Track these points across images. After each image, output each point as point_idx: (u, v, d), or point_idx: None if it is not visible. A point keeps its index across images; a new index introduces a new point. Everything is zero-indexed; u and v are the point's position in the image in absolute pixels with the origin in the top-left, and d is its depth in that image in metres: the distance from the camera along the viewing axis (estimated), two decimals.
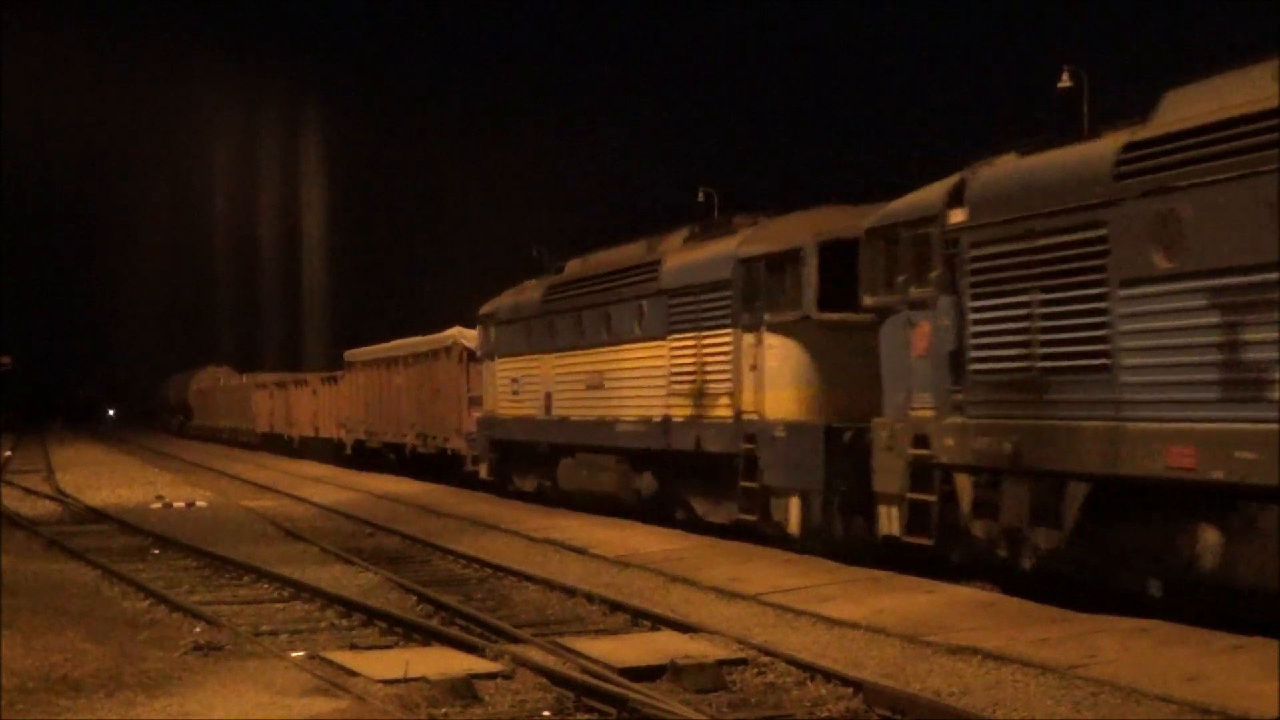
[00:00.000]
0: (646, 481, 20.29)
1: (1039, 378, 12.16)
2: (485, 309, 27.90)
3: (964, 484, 13.17)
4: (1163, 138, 11.16)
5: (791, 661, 10.61)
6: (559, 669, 10.35)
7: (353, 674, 10.34)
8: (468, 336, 30.48)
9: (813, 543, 15.95)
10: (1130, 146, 11.41)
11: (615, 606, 13.55)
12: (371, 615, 13.25)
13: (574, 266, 24.40)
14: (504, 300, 26.97)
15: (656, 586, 15.11)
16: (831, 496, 15.62)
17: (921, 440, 13.68)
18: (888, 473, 14.22)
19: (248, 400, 58.13)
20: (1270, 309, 10.01)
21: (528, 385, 24.89)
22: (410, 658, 10.79)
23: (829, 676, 10.07)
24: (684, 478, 19.35)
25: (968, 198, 13.23)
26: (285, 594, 15.03)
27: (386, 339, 38.76)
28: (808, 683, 10.15)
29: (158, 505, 27.31)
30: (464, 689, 9.68)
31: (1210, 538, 10.73)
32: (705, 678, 10.11)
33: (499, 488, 26.90)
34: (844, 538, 15.62)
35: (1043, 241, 12.12)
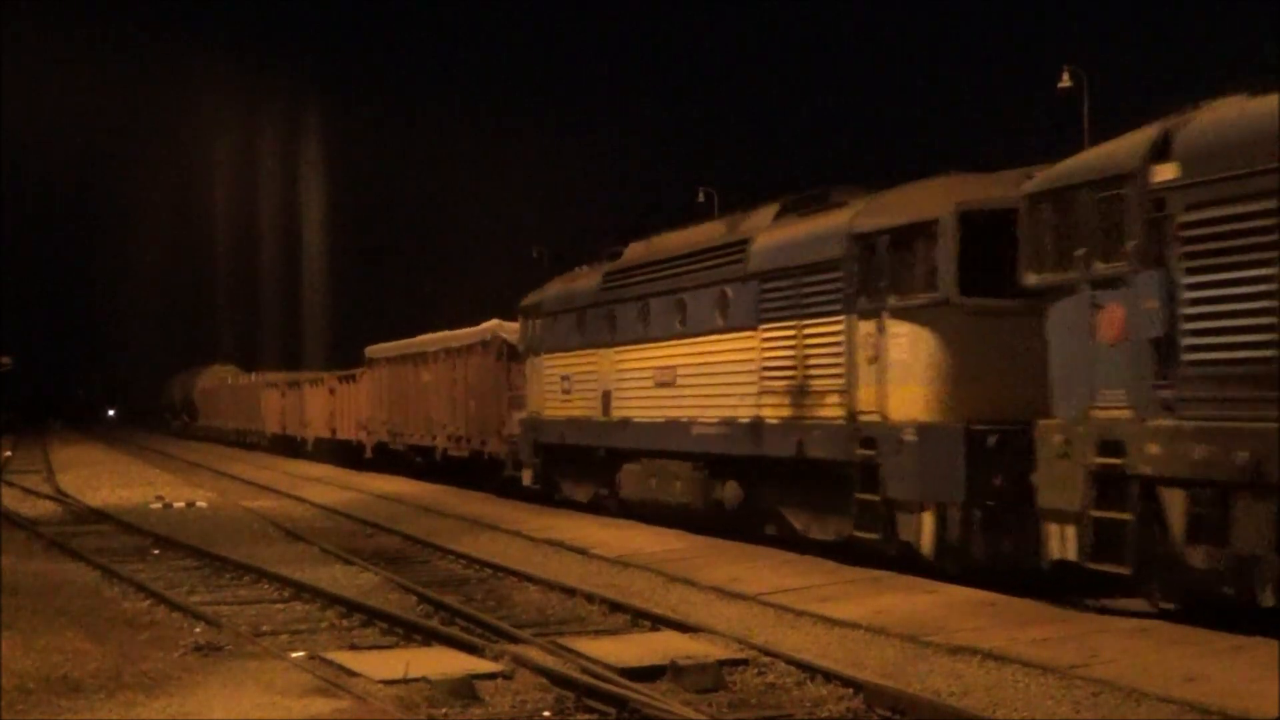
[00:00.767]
0: (730, 492, 17.91)
1: None
2: (529, 300, 25.41)
3: (1175, 500, 10.79)
4: None
5: (792, 662, 10.61)
6: (559, 669, 10.35)
7: (353, 674, 10.34)
8: (508, 330, 28.14)
9: (949, 564, 13.81)
10: None
11: (615, 607, 13.55)
12: (372, 615, 13.24)
13: (635, 251, 22.04)
14: (551, 290, 24.60)
15: (657, 587, 15.11)
16: (973, 511, 13.39)
17: (1111, 446, 11.33)
18: (1060, 485, 11.85)
19: (257, 400, 55.88)
20: None
21: (581, 383, 22.52)
22: (410, 658, 10.78)
23: (829, 677, 10.07)
24: (778, 488, 17.01)
25: (1177, 150, 10.97)
26: (285, 594, 15.03)
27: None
28: (808, 683, 10.15)
29: (158, 505, 27.30)
30: (464, 689, 9.68)
31: None
32: (706, 678, 10.11)
33: (544, 497, 24.63)
34: (986, 558, 13.42)
35: None
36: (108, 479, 35.42)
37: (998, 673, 10.14)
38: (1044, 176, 12.47)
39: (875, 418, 14.61)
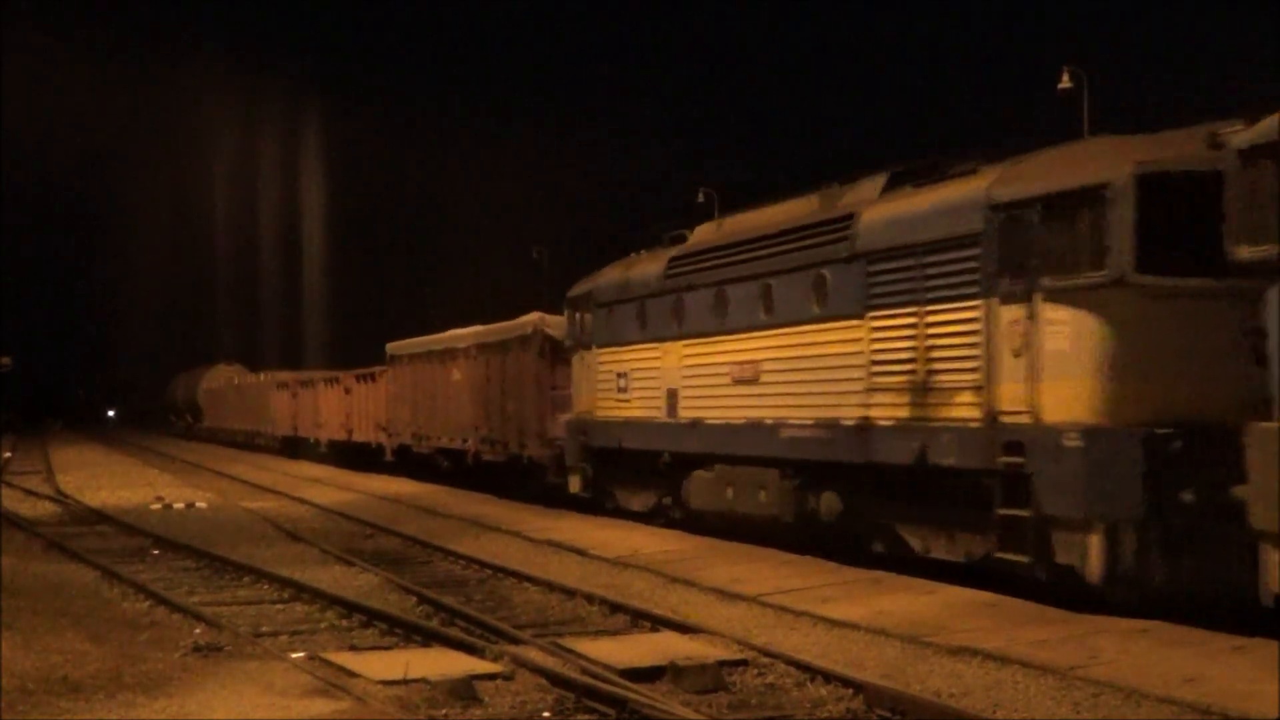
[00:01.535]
0: (827, 503, 15.87)
1: None
2: (577, 290, 23.16)
3: None
4: None
5: (792, 662, 10.61)
6: (559, 670, 10.35)
7: (353, 675, 10.34)
8: (551, 323, 25.95)
9: (1122, 594, 11.82)
10: None
11: (615, 607, 13.55)
12: (372, 616, 13.25)
13: (704, 233, 20.04)
14: (604, 278, 22.20)
15: (656, 587, 15.11)
16: (1152, 531, 11.51)
17: None
18: None
19: (266, 400, 53.46)
20: None
21: (641, 381, 20.40)
22: (410, 659, 10.79)
23: (829, 677, 10.07)
24: (889, 500, 14.90)
25: None
26: (285, 595, 15.03)
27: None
28: (808, 683, 10.15)
29: (157, 506, 27.29)
30: (464, 690, 9.68)
31: None
32: (705, 678, 10.11)
33: (593, 505, 22.54)
34: (1167, 587, 11.58)
35: None
36: (107, 480, 35.41)
37: (998, 673, 10.15)
38: (1262, 129, 10.34)
39: (1024, 419, 12.51)
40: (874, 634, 11.84)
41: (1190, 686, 9.30)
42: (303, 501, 28.43)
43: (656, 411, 19.80)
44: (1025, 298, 12.61)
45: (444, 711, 9.36)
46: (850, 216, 15.51)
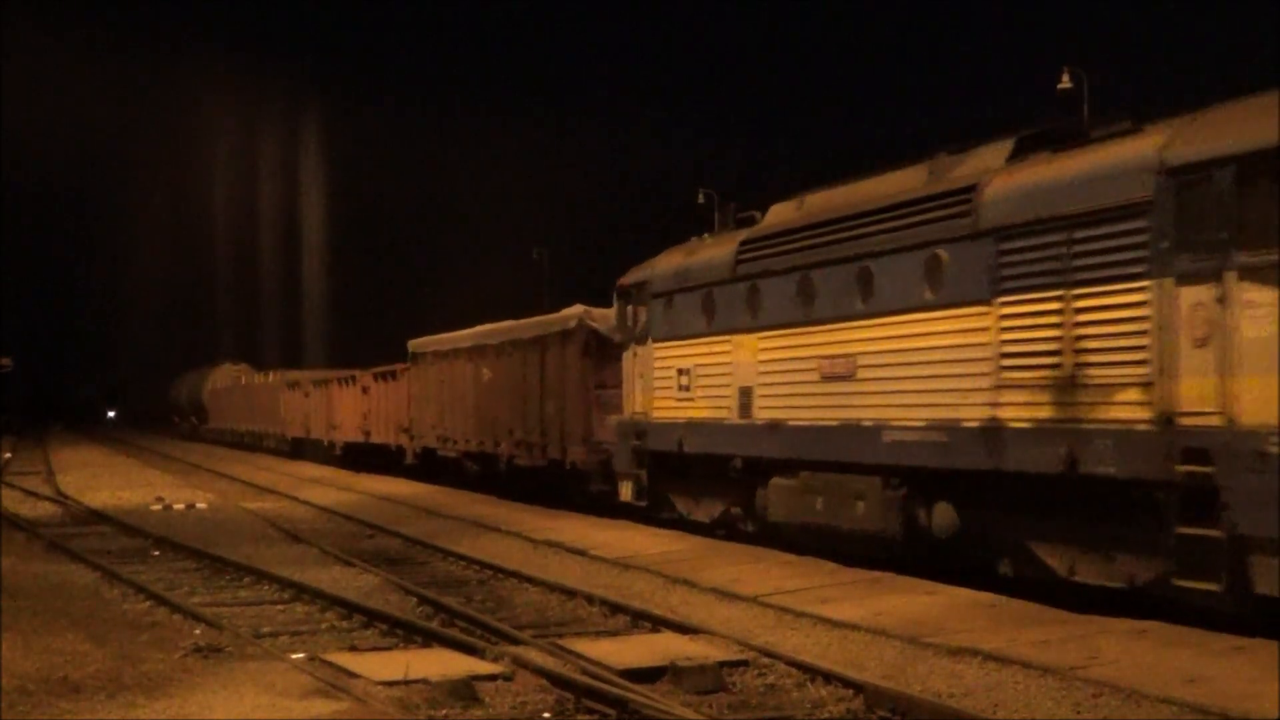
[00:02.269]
0: (941, 517, 14.04)
1: None
2: (630, 278, 21.08)
3: None
4: None
5: (792, 663, 10.61)
6: (559, 670, 10.35)
7: (353, 676, 10.34)
8: (596, 317, 23.97)
9: None
10: None
11: (615, 608, 13.55)
12: (372, 617, 13.25)
13: (781, 213, 17.86)
14: (661, 265, 20.24)
15: (657, 588, 15.11)
16: None
17: None
18: None
19: (276, 401, 51.59)
20: None
21: (708, 378, 18.39)
22: (410, 659, 10.79)
23: (830, 678, 10.07)
24: (1021, 514, 12.99)
25: None
26: (285, 596, 15.03)
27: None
28: (808, 684, 10.15)
29: (157, 507, 27.29)
30: (464, 691, 9.68)
31: None
32: (706, 679, 10.11)
33: (645, 514, 20.79)
34: None
35: None
36: (107, 480, 35.42)
37: (998, 674, 10.15)
38: None
39: (1211, 420, 10.70)
40: (874, 634, 11.84)
41: (1190, 687, 9.30)
42: (303, 502, 28.43)
43: (726, 412, 17.87)
44: (1213, 277, 10.73)
45: (444, 712, 9.36)
46: (972, 188, 13.54)
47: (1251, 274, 10.47)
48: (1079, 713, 9.07)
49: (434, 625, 12.74)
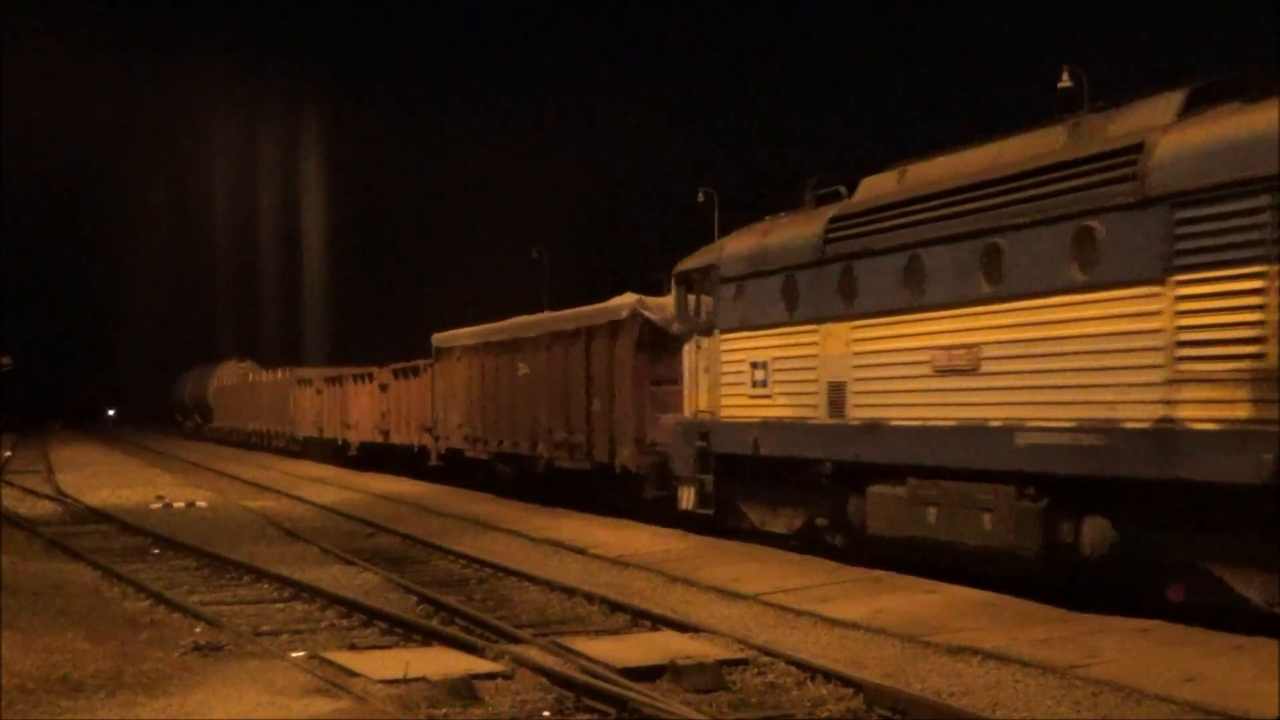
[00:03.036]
0: (1094, 533, 12.03)
1: None
2: (690, 263, 19.23)
3: None
4: None
5: (792, 662, 10.61)
6: (559, 669, 10.35)
7: (353, 674, 10.34)
8: (651, 306, 22.09)
9: None
10: None
11: (615, 607, 13.55)
12: (372, 615, 13.25)
13: (877, 186, 15.74)
14: (731, 247, 18.25)
15: (657, 586, 15.11)
16: None
17: None
18: None
19: (286, 399, 49.76)
20: None
21: (789, 371, 16.41)
22: (410, 658, 10.79)
23: (829, 677, 10.07)
24: (1198, 531, 11.16)
25: None
26: (285, 594, 15.03)
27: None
28: (808, 683, 10.15)
29: (158, 505, 27.31)
30: (464, 689, 9.68)
31: None
32: (705, 678, 10.11)
33: (709, 524, 18.70)
34: None
35: None
36: (107, 479, 35.44)
37: (998, 673, 10.15)
38: None
39: None
40: (874, 633, 11.84)
41: (1190, 686, 9.30)
42: (303, 501, 28.44)
43: (811, 410, 15.88)
44: None
45: (444, 711, 9.36)
46: (1136, 148, 11.62)
47: None
48: (1078, 711, 9.07)
49: (434, 624, 12.74)
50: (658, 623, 12.69)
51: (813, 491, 16.23)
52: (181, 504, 27.61)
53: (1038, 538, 12.36)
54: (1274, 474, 9.92)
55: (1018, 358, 12.71)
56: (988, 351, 13.11)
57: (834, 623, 12.42)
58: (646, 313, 21.93)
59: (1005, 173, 13.16)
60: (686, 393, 19.12)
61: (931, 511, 13.73)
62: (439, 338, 32.14)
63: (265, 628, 12.88)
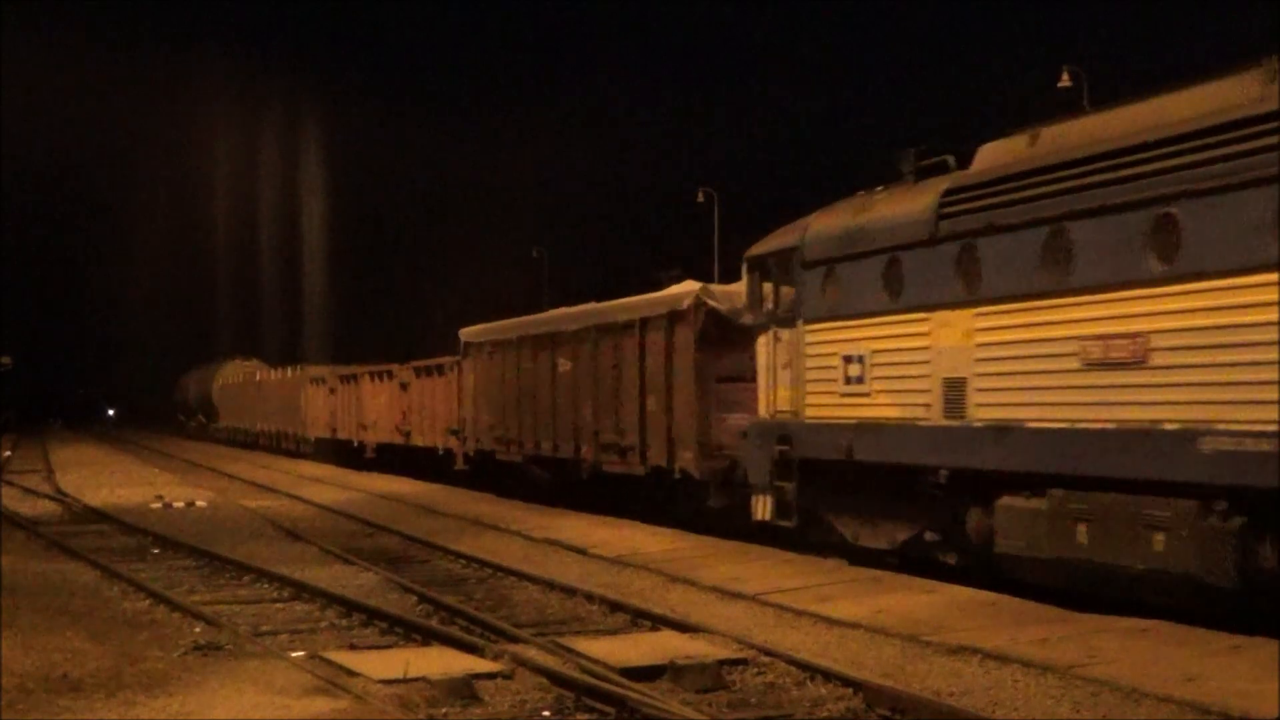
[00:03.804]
0: None
1: None
2: (767, 245, 17.07)
3: None
4: None
5: (792, 661, 10.61)
6: (559, 669, 10.35)
7: (353, 674, 10.34)
8: (715, 295, 20.19)
9: None
10: None
11: (615, 606, 13.55)
12: (371, 615, 13.25)
13: (1002, 153, 13.57)
14: (817, 226, 16.06)
15: (656, 586, 15.11)
16: None
17: None
18: None
19: (296, 398, 47.52)
20: None
21: (893, 366, 14.48)
22: (410, 658, 10.79)
23: (829, 676, 10.07)
24: None
25: None
26: (285, 594, 15.03)
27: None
28: (808, 683, 10.15)
29: (157, 505, 27.30)
30: (464, 689, 9.68)
31: None
32: (705, 678, 10.11)
33: (789, 538, 16.77)
34: None
35: None
36: (107, 478, 35.43)
37: (997, 672, 10.15)
38: None
39: None
40: (874, 633, 11.84)
41: (1190, 686, 9.29)
42: (303, 500, 28.44)
43: (922, 410, 13.93)
44: None
45: (444, 710, 9.36)
46: None
47: None
48: (1078, 711, 9.07)
49: (433, 623, 12.73)
50: (657, 623, 12.69)
51: (921, 502, 14.22)
52: (181, 504, 27.60)
53: (1229, 562, 10.46)
54: None
55: (1201, 348, 10.64)
56: (1158, 341, 11.06)
57: (834, 623, 12.42)
58: (712, 302, 19.95)
59: (1183, 130, 11.01)
60: (762, 391, 17.02)
61: (1082, 529, 11.79)
62: (467, 332, 30.09)
63: (265, 627, 12.88)
